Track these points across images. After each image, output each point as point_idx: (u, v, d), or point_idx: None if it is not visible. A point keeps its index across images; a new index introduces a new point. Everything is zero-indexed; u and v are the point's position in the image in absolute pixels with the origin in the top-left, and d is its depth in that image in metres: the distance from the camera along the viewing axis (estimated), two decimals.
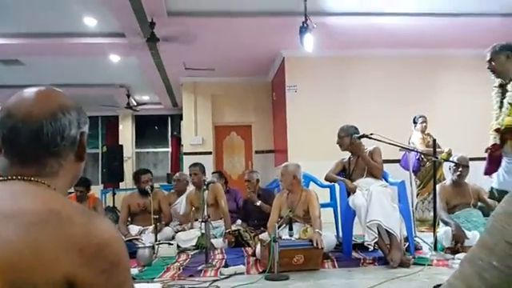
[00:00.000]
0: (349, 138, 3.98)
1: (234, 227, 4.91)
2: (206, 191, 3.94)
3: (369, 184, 3.79)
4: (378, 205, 3.45)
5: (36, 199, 0.86)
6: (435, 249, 3.65)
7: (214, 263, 3.69)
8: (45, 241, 0.80)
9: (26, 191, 0.88)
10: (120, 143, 11.06)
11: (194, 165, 5.15)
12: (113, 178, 8.65)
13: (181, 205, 5.52)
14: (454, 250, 3.69)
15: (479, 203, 4.21)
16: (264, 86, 8.79)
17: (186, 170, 8.42)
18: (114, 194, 8.40)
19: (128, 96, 10.02)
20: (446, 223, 3.89)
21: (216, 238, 4.69)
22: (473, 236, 3.75)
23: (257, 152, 8.97)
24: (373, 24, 6.16)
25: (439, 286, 1.51)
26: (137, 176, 5.13)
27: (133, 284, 0.91)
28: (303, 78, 7.18)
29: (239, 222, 5.26)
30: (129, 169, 10.46)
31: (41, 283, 0.78)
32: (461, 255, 3.57)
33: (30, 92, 0.94)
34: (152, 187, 5.02)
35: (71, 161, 0.97)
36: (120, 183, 8.87)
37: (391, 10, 5.90)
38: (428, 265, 3.29)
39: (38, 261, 0.78)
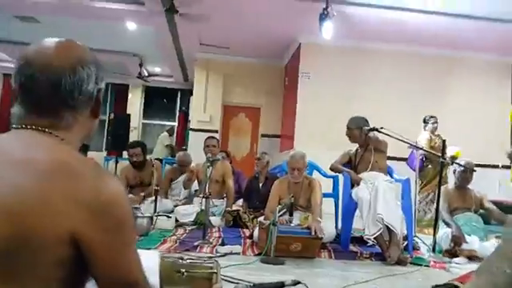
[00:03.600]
0: (359, 130, 3.93)
1: (234, 207, 4.91)
2: (210, 168, 3.91)
3: (374, 178, 3.75)
4: (382, 200, 3.42)
5: (48, 150, 0.85)
6: (434, 251, 3.63)
7: (210, 240, 3.70)
8: (54, 191, 0.79)
9: (39, 141, 0.87)
10: (128, 112, 11.04)
11: (212, 138, 5.12)
12: (117, 146, 8.62)
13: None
14: (451, 254, 3.68)
15: (481, 210, 4.18)
16: (277, 70, 8.71)
17: (191, 145, 8.44)
18: (116, 162, 8.42)
19: (140, 66, 9.97)
20: (448, 224, 3.87)
21: (215, 215, 4.70)
22: (471, 241, 3.73)
23: (263, 135, 8.93)
24: (393, 18, 6.05)
25: (437, 286, 1.49)
26: (126, 149, 5.07)
27: (136, 247, 0.91)
28: (317, 66, 7.09)
29: (240, 202, 5.27)
30: (134, 139, 10.46)
31: (46, 234, 0.77)
32: (459, 259, 3.56)
33: (50, 42, 0.92)
34: (144, 160, 5.01)
35: (86, 116, 0.96)
36: (123, 152, 8.89)
37: (414, 6, 5.77)
38: (425, 265, 3.27)
39: (46, 210, 0.78)
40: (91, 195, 0.81)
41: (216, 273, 1.55)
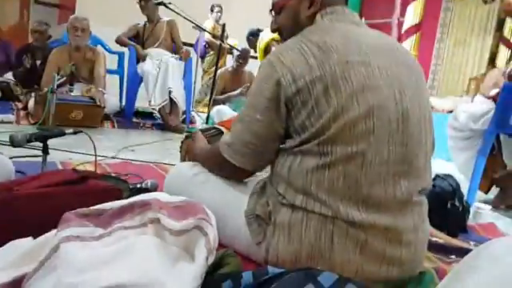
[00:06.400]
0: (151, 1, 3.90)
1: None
2: None
3: (160, 54, 3.90)
4: (171, 75, 3.66)
5: None
6: (207, 122, 4.13)
7: None
8: None
9: None
10: None
11: None
12: None
13: None
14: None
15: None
16: None
17: None
18: None
19: None
20: (217, 102, 4.40)
21: None
22: None
23: (37, 2, 7.74)
24: None
25: (202, 130, 1.79)
26: None
27: None
28: None
29: (9, 75, 4.68)
30: None
31: None
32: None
33: None
34: None
35: None
36: None
37: None
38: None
39: None
40: None
41: None
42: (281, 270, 0.82)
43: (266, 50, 3.15)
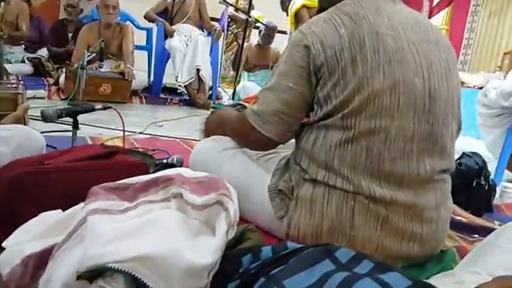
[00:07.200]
0: None
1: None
2: (1, 3, 3.40)
3: (189, 31, 3.91)
4: (201, 52, 3.67)
5: None
6: (233, 98, 4.14)
7: (8, 87, 3.39)
8: None
9: None
10: None
11: None
12: None
13: None
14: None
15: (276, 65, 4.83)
16: None
17: None
18: None
19: None
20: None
21: (11, 63, 4.23)
22: None
23: None
24: None
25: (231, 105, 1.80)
26: None
27: None
28: None
29: (42, 52, 4.81)
30: None
31: None
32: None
33: None
34: None
35: None
36: None
37: None
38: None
39: None
40: None
41: (21, 93, 1.55)
42: (300, 245, 0.84)
43: (297, 15, 3.16)
